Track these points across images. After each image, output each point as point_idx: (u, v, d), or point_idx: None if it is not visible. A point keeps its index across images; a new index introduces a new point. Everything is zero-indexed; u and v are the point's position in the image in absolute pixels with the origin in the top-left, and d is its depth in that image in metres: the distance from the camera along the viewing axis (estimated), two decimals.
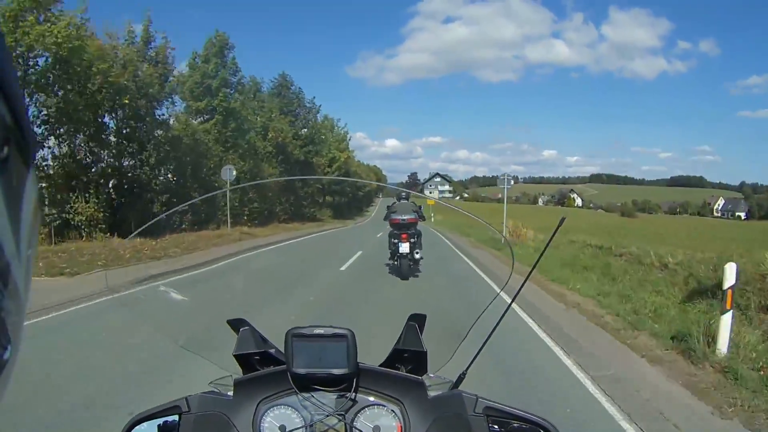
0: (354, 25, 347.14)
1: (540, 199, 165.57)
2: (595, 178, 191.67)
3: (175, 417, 1.39)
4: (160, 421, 1.39)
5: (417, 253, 11.01)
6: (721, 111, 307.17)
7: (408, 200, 11.49)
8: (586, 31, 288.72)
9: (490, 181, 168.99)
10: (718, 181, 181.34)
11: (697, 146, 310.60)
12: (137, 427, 1.38)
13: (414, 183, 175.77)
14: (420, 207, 11.55)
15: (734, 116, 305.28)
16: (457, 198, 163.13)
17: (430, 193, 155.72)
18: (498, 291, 1.94)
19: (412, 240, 10.79)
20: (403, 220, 10.77)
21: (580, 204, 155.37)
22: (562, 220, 1.45)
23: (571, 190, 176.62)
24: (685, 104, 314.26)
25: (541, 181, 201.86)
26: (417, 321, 1.55)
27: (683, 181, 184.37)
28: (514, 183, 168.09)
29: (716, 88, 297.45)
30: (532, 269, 1.53)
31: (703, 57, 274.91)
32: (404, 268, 10.83)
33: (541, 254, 1.60)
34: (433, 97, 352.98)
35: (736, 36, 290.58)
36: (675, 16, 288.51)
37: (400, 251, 10.80)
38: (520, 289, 1.49)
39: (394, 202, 11.39)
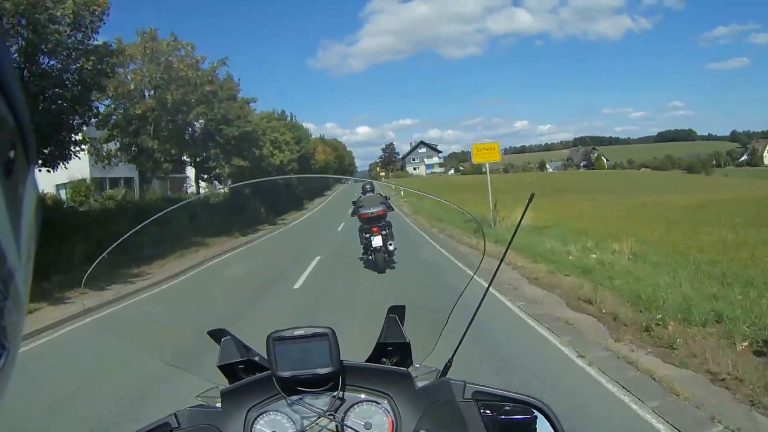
0: (310, 15, 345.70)
1: (549, 166, 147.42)
2: (579, 141, 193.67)
3: None
4: None
5: (390, 244, 11.87)
6: (690, 65, 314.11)
7: (374, 192, 12.48)
8: None
9: (465, 157, 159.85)
10: (707, 133, 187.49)
11: (669, 102, 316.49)
12: None
13: (391, 156, 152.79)
14: (387, 197, 12.58)
15: (704, 69, 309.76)
16: (451, 172, 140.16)
17: (415, 169, 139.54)
18: (472, 274, 2.06)
19: (384, 232, 11.68)
20: (372, 213, 11.76)
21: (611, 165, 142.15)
22: (532, 195, 1.58)
23: (593, 147, 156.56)
24: (653, 62, 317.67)
25: (523, 150, 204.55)
26: (397, 313, 1.72)
27: (671, 135, 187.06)
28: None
29: (683, 43, 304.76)
30: (506, 251, 1.73)
31: (668, 11, 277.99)
32: (380, 262, 11.68)
33: (513, 236, 1.83)
34: (400, 80, 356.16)
35: None
36: None
37: (374, 245, 11.64)
38: (496, 272, 1.67)
39: (360, 196, 12.37)
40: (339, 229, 20.32)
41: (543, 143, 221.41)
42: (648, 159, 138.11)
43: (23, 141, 0.41)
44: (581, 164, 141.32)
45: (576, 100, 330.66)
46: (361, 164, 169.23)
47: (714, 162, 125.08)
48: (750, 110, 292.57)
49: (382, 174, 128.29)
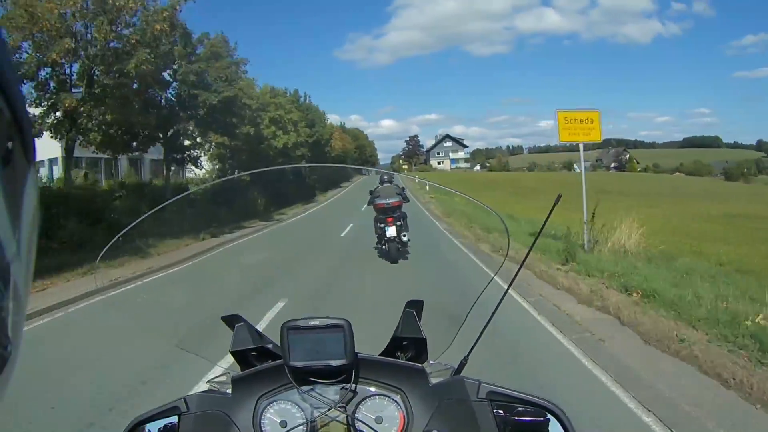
0: (337, 8, 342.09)
1: (576, 166, 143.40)
2: (605, 143, 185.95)
3: (175, 418, 1.51)
4: (160, 423, 1.50)
5: (404, 236, 12.02)
6: (717, 72, 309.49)
7: (391, 183, 12.52)
8: None
9: (491, 154, 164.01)
10: (732, 141, 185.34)
11: (694, 109, 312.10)
12: (137, 430, 1.50)
13: (415, 149, 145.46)
14: (404, 189, 12.71)
15: (731, 77, 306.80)
16: (477, 168, 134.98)
17: (439, 164, 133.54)
18: (492, 275, 2.05)
19: (398, 223, 11.84)
20: (388, 204, 11.87)
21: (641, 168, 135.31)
22: (559, 197, 1.55)
23: (624, 149, 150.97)
24: (680, 67, 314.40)
25: (548, 150, 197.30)
26: (414, 308, 1.71)
27: (697, 141, 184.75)
28: (519, 153, 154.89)
29: (711, 50, 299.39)
30: (528, 254, 1.63)
31: (698, 18, 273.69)
32: (392, 252, 11.84)
33: (536, 238, 1.80)
34: (426, 74, 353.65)
35: None
36: None
37: (387, 235, 11.79)
38: (517, 273, 1.63)
39: (377, 186, 12.36)
40: (343, 234, 17.72)
41: (567, 144, 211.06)
42: (674, 164, 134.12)
43: (23, 141, 0.41)
44: (611, 166, 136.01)
45: (601, 103, 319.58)
46: (384, 157, 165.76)
47: (745, 170, 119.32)
48: None
49: (405, 167, 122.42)
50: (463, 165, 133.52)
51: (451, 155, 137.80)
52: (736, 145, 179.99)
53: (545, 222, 1.60)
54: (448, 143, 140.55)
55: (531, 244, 1.69)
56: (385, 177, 12.72)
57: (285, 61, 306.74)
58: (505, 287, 1.69)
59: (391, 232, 11.72)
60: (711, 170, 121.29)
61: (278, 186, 33.26)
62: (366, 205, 12.54)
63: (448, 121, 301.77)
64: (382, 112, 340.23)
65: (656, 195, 55.05)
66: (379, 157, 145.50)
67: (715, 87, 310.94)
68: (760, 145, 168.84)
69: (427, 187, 40.40)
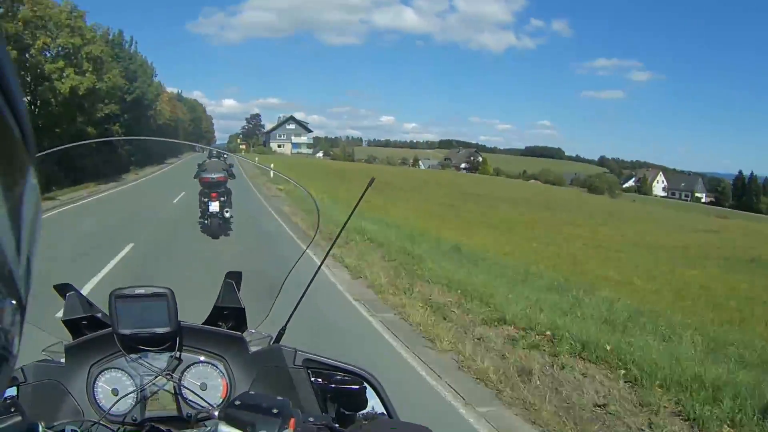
0: None
1: (422, 163, 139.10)
2: (445, 144, 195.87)
3: (14, 389, 1.49)
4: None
5: (227, 212, 11.56)
6: (565, 89, 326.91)
7: (219, 158, 11.81)
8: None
9: (333, 143, 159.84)
10: (575, 154, 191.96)
11: (537, 120, 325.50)
12: None
13: (255, 129, 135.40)
14: (231, 165, 12.08)
15: (579, 95, 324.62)
16: (319, 155, 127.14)
17: (280, 147, 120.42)
18: (305, 249, 2.15)
19: (222, 199, 11.44)
20: (213, 178, 11.27)
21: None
22: (372, 180, 1.68)
23: (476, 150, 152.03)
24: (529, 80, 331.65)
25: (387, 144, 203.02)
26: (234, 278, 1.74)
27: (540, 151, 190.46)
28: (359, 145, 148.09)
29: (563, 68, 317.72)
30: (341, 230, 1.75)
31: (554, 36, 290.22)
32: (214, 227, 11.39)
33: (350, 215, 1.76)
34: (275, 58, 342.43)
35: (589, 18, 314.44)
36: None
37: (210, 210, 11.41)
38: (330, 248, 1.83)
39: (205, 160, 11.77)
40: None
41: (407, 140, 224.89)
42: (517, 170, 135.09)
43: (23, 141, 0.41)
44: (462, 166, 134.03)
45: (444, 104, 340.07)
46: (221, 137, 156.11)
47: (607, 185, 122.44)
48: (619, 140, 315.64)
49: (243, 147, 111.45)
50: (305, 151, 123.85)
51: (294, 139, 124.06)
52: (578, 159, 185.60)
53: (358, 202, 1.66)
54: (291, 126, 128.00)
55: (343, 224, 1.74)
56: (214, 152, 13.52)
57: (134, 28, 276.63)
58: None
59: (214, 207, 11.44)
60: (563, 181, 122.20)
61: (71, 157, 22.01)
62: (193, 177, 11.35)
63: (289, 107, 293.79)
64: (226, 92, 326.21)
65: (538, 204, 51.00)
66: (216, 135, 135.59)
67: (560, 102, 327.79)
68: (602, 161, 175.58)
69: (272, 174, 31.08)
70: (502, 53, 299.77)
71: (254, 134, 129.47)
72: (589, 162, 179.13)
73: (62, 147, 5.66)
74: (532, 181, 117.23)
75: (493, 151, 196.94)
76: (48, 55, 24.91)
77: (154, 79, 46.36)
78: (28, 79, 23.79)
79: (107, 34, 37.58)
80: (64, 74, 24.95)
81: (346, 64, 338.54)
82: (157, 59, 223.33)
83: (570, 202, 60.41)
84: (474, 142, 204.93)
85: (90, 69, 26.33)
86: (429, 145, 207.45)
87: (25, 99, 0.42)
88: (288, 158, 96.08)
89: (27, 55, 23.22)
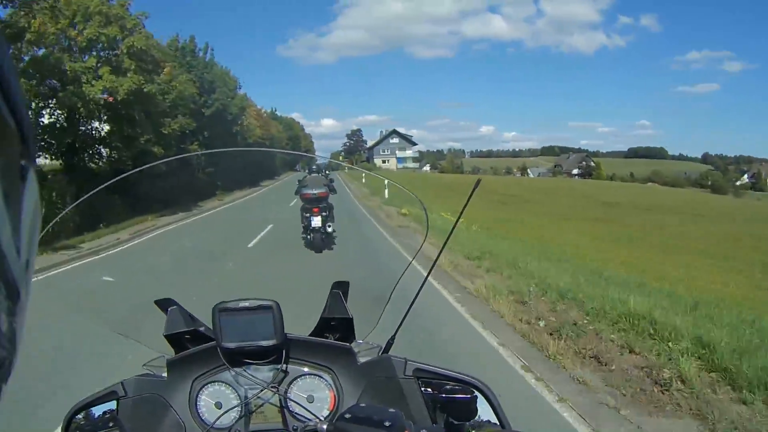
0: (282, 3, 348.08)
1: (531, 171, 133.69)
2: (547, 150, 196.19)
3: (113, 403, 1.53)
4: (99, 408, 1.53)
5: (329, 226, 12.10)
6: (659, 86, 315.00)
7: (320, 174, 12.60)
8: (524, 4, 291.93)
9: (438, 156, 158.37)
10: (678, 153, 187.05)
11: (636, 121, 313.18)
12: (77, 417, 1.51)
13: (357, 145, 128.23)
14: (332, 180, 12.71)
15: (673, 91, 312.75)
16: (426, 168, 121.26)
17: (384, 162, 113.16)
18: (410, 260, 2.09)
19: (324, 214, 11.90)
20: (314, 194, 11.86)
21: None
22: (478, 182, 1.58)
23: (586, 155, 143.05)
24: (624, 79, 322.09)
25: (489, 154, 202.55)
26: (341, 288, 1.69)
27: (642, 152, 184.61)
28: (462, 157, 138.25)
29: (655, 64, 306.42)
30: (448, 237, 1.64)
31: (644, 32, 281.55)
32: (316, 242, 11.95)
33: (456, 222, 1.69)
34: (368, 75, 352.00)
35: (677, 11, 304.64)
36: None
37: (312, 225, 11.89)
38: (438, 257, 1.66)
39: (306, 176, 12.61)
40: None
41: (509, 149, 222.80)
42: (623, 173, 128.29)
43: (24, 141, 0.41)
44: (574, 172, 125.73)
45: (542, 111, 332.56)
46: (322, 156, 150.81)
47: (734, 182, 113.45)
48: (719, 135, 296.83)
49: (346, 162, 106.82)
50: (411, 165, 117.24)
51: (398, 153, 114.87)
52: (681, 157, 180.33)
53: (465, 205, 1.58)
54: (395, 140, 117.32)
55: (450, 230, 1.64)
56: (314, 167, 12.76)
57: (226, 53, 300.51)
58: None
59: (316, 222, 11.77)
60: (681, 182, 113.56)
61: (130, 183, 17.02)
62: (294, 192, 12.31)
63: (388, 123, 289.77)
64: (323, 111, 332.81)
65: (693, 213, 43.29)
66: (317, 154, 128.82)
67: (656, 100, 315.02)
68: (705, 158, 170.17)
69: (386, 194, 24.35)
70: (594, 54, 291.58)
71: (356, 150, 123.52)
72: (692, 160, 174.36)
73: (127, 173, 2.49)
74: (649, 183, 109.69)
75: (596, 154, 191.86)
76: (74, 50, 18.77)
77: (238, 91, 40.93)
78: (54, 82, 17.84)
79: (176, 42, 32.38)
80: (98, 74, 18.64)
81: (440, 76, 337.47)
82: (251, 84, 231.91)
83: (717, 208, 53.00)
84: (575, 147, 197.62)
85: (133, 68, 19.60)
86: (531, 152, 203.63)
87: (26, 99, 0.31)
88: (395, 173, 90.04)
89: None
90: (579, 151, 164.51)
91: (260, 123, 55.68)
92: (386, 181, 21.13)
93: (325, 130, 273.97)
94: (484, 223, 19.87)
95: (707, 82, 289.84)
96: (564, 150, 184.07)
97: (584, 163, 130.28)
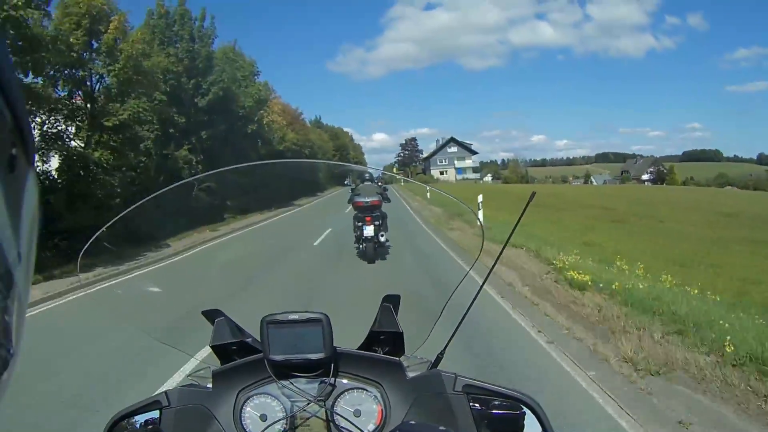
0: (331, 18, 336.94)
1: (595, 179, 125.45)
2: (601, 158, 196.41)
3: (156, 412, 1.51)
4: (142, 417, 1.51)
5: (382, 236, 11.66)
6: (709, 86, 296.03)
7: (372, 182, 12.03)
8: (571, 10, 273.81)
9: (497, 165, 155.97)
10: (732, 155, 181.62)
11: (686, 123, 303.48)
12: (119, 425, 1.50)
13: (412, 156, 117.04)
14: (385, 189, 12.24)
15: (723, 91, 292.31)
16: (488, 178, 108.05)
17: (442, 174, 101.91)
18: (467, 270, 1.94)
19: (377, 223, 11.45)
20: (367, 202, 11.52)
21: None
22: (533, 194, 1.50)
23: (656, 159, 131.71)
24: (673, 82, 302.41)
25: (543, 164, 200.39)
26: (391, 302, 1.69)
27: (697, 155, 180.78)
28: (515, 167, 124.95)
29: (704, 64, 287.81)
30: (502, 249, 1.64)
31: (692, 32, 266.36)
32: (369, 252, 11.47)
33: (511, 234, 1.64)
34: (419, 88, 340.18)
35: (724, 7, 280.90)
36: None
37: (365, 235, 11.42)
38: (492, 269, 1.63)
39: (358, 184, 12.06)
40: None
41: (562, 158, 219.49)
42: (681, 177, 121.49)
43: (23, 142, 0.41)
44: (644, 178, 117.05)
45: (593, 117, 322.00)
46: (374, 171, 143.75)
47: None
48: None
49: (400, 176, 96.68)
50: (471, 176, 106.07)
51: (457, 163, 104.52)
52: (736, 159, 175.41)
53: (520, 217, 1.54)
54: (453, 149, 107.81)
55: (505, 242, 1.62)
56: (367, 175, 12.13)
57: (278, 71, 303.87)
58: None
59: (369, 231, 11.33)
60: (764, 184, 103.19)
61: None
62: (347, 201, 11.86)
63: (440, 135, 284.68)
64: (375, 126, 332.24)
65: None
66: (369, 169, 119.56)
67: (706, 101, 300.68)
68: (761, 159, 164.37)
69: (480, 216, 14.51)
70: (643, 57, 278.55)
71: (411, 162, 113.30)
72: (747, 161, 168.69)
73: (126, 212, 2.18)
74: (728, 187, 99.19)
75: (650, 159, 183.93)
76: None
77: (256, 79, 29.94)
78: None
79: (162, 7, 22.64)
80: None
81: (491, 87, 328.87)
82: (302, 99, 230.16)
83: None
84: (628, 152, 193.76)
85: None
86: (586, 160, 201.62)
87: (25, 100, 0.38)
88: (455, 186, 79.02)
89: None
90: (633, 156, 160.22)
91: (289, 121, 45.40)
92: (479, 198, 15.70)
93: (377, 144, 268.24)
94: (651, 263, 12.88)
95: (757, 80, 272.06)
96: (618, 156, 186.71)
97: (654, 168, 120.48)
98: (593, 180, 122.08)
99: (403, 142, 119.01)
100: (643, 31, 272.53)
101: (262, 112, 30.05)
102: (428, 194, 29.35)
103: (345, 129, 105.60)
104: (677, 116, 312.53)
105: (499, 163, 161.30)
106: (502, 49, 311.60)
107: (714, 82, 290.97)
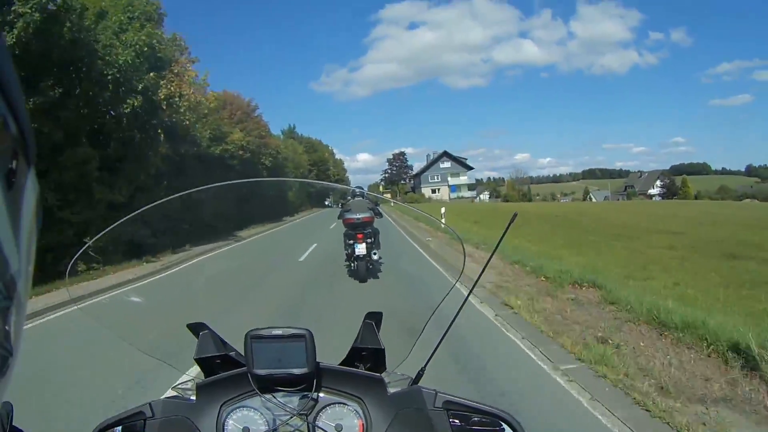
0: (314, 39, 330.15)
1: (594, 195, 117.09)
2: (588, 174, 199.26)
3: (140, 423, 1.50)
4: (125, 428, 1.49)
5: (375, 253, 10.98)
6: (692, 101, 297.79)
7: (363, 197, 11.25)
8: (554, 28, 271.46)
9: (495, 182, 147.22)
10: (720, 168, 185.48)
11: (670, 138, 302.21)
12: None
13: (401, 172, 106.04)
14: (377, 204, 11.63)
15: (706, 105, 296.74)
16: (484, 197, 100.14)
17: (434, 192, 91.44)
18: (453, 283, 1.93)
19: (369, 240, 10.76)
20: (358, 218, 10.81)
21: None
22: (514, 215, 1.48)
23: (662, 172, 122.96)
24: (657, 97, 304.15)
25: (531, 181, 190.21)
26: (373, 319, 1.65)
27: (685, 169, 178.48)
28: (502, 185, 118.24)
29: (687, 79, 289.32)
30: (485, 266, 1.59)
31: (675, 47, 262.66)
32: (361, 271, 10.70)
33: (494, 250, 1.64)
34: (403, 108, 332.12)
35: (707, 23, 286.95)
36: (645, 4, 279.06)
37: (356, 253, 10.68)
38: (474, 285, 1.63)
39: (348, 199, 11.32)
40: None
41: (548, 175, 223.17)
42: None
43: (24, 143, 0.41)
44: (651, 193, 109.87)
45: (577, 134, 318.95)
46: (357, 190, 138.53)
47: None
48: (758, 146, 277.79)
49: (388, 195, 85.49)
50: (467, 194, 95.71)
51: (451, 180, 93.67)
52: (725, 171, 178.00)
53: (503, 236, 1.53)
54: (446, 164, 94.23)
55: (489, 255, 1.62)
56: (357, 190, 11.29)
57: (260, 90, 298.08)
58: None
59: (361, 249, 10.66)
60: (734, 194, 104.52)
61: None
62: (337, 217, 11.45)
63: (424, 155, 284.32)
64: (358, 146, 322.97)
65: None
66: (350, 181, 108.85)
67: (690, 115, 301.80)
68: (749, 171, 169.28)
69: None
70: (626, 73, 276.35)
71: (400, 179, 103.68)
72: (735, 173, 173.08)
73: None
74: (747, 200, 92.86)
75: (637, 175, 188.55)
76: None
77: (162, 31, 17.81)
78: None
79: None
80: None
81: (475, 106, 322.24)
82: (284, 119, 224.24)
83: None
84: (616, 168, 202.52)
85: None
86: (573, 177, 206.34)
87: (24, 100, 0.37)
88: (452, 206, 68.15)
89: None
90: (621, 172, 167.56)
91: (240, 118, 33.78)
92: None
93: (362, 164, 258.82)
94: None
95: (739, 93, 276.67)
96: (604, 172, 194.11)
97: (663, 181, 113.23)
98: (592, 197, 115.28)
99: (391, 156, 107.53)
100: (627, 47, 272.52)
101: (161, 80, 17.57)
102: (442, 221, 19.81)
103: (325, 143, 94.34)
104: (660, 131, 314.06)
105: (484, 181, 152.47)
106: (486, 68, 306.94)
107: (697, 96, 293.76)
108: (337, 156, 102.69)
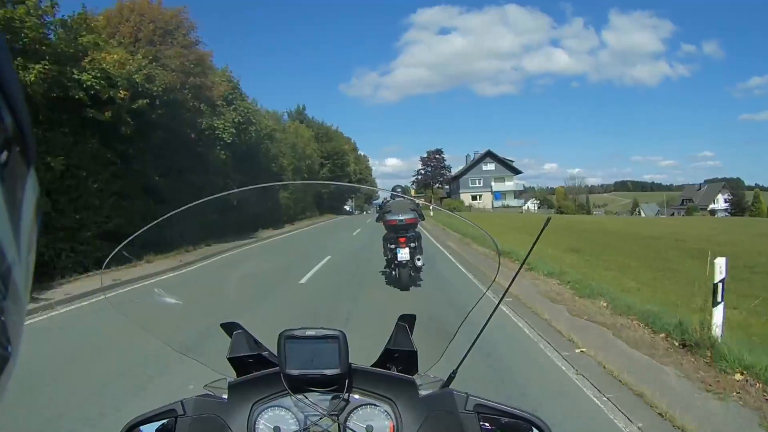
0: (345, 42, 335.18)
1: (643, 209, 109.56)
2: (620, 186, 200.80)
3: (171, 420, 1.52)
4: (156, 424, 1.51)
5: (418, 259, 10.16)
6: (722, 115, 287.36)
7: (405, 197, 10.57)
8: (586, 37, 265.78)
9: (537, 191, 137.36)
10: (754, 183, 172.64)
11: (698, 152, 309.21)
12: (133, 431, 1.48)
13: (437, 172, 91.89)
14: (418, 204, 11.18)
15: (736, 120, 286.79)
16: (530, 206, 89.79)
17: (475, 199, 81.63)
18: (484, 291, 1.97)
19: (412, 245, 9.98)
20: (401, 220, 9.97)
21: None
22: (548, 220, 1.49)
23: (724, 185, 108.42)
24: (687, 110, 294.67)
25: (554, 192, 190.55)
26: (407, 321, 1.71)
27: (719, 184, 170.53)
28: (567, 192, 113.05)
29: (718, 92, 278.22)
30: (518, 270, 1.57)
31: (707, 60, 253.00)
32: (404, 278, 9.96)
33: (527, 255, 1.67)
34: (432, 113, 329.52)
35: (739, 36, 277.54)
36: (678, 16, 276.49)
37: (399, 259, 9.94)
38: (507, 290, 1.64)
39: (388, 200, 10.50)
40: None
41: (580, 186, 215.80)
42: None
43: (23, 142, 0.41)
44: (713, 208, 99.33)
45: (605, 145, 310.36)
46: (386, 195, 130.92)
47: None
48: None
49: (420, 201, 71.92)
50: (513, 202, 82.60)
51: (494, 185, 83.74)
52: (759, 187, 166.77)
53: (536, 240, 1.52)
54: (490, 166, 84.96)
55: (521, 264, 1.63)
56: (398, 189, 10.93)
57: (291, 93, 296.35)
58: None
59: (404, 254, 9.82)
60: None
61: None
62: (375, 219, 10.81)
63: (453, 161, 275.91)
64: (387, 151, 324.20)
65: None
66: (380, 194, 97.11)
67: (719, 130, 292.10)
68: None
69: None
70: (657, 85, 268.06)
71: (435, 182, 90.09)
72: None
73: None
74: None
75: (669, 188, 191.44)
76: None
77: None
78: None
79: None
80: None
81: (504, 113, 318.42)
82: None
83: None
84: (650, 181, 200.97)
85: None
86: (605, 188, 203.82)
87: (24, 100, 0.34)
88: (506, 217, 54.01)
89: None
90: (652, 185, 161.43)
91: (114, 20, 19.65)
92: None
93: (391, 169, 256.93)
94: None
95: None
96: (635, 185, 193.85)
97: (730, 196, 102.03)
98: (641, 211, 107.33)
99: (425, 155, 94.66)
100: (658, 59, 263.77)
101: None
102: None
103: (360, 153, 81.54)
104: (690, 145, 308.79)
105: (535, 189, 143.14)
106: (516, 76, 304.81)
107: (727, 111, 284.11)
108: (360, 152, 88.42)
